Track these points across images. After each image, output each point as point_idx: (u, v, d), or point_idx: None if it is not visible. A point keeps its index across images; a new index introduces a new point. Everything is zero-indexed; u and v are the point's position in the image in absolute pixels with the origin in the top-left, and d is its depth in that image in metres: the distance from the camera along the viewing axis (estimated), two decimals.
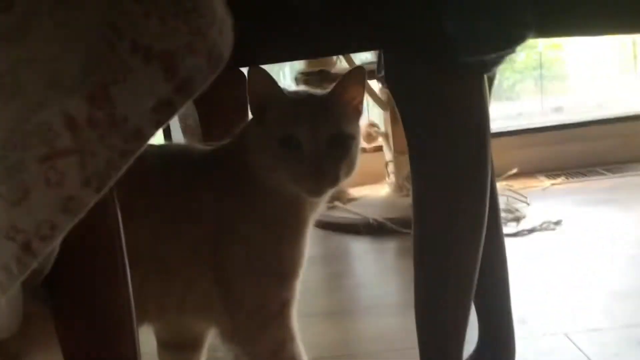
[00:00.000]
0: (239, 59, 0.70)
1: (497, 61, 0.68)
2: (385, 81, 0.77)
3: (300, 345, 0.88)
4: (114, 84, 0.42)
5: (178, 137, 2.04)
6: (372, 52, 2.08)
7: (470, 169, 0.77)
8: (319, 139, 0.81)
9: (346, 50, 1.15)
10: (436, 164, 0.77)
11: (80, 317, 0.57)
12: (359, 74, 0.87)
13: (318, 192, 0.82)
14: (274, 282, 0.86)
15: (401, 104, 0.76)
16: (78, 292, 0.56)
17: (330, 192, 0.85)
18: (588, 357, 1.11)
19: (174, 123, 2.18)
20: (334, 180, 0.81)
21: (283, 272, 0.86)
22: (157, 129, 0.45)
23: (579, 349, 1.14)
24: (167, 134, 2.36)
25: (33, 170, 0.42)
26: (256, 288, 0.85)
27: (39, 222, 0.42)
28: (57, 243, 0.44)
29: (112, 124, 0.43)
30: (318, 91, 0.90)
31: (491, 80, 0.90)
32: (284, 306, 0.86)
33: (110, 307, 0.59)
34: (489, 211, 0.87)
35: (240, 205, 0.86)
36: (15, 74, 0.40)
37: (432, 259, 0.80)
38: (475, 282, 0.81)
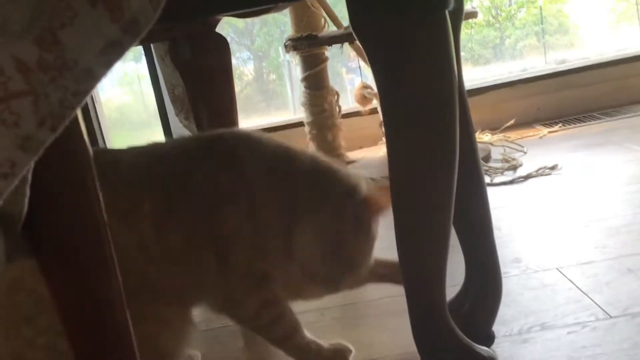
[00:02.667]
0: (198, 8, 0.72)
1: None
2: (352, 30, 0.78)
3: (285, 307, 0.96)
4: (62, 27, 0.44)
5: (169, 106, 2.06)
6: None
7: (435, 109, 0.78)
8: None
9: None
10: (402, 108, 0.78)
11: (63, 266, 0.60)
12: None
13: None
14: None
15: (366, 49, 0.77)
16: (58, 243, 0.59)
17: None
18: (579, 289, 1.13)
19: (165, 94, 2.20)
20: None
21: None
22: (107, 69, 0.46)
23: (571, 281, 1.17)
24: (161, 105, 2.39)
25: None
26: (247, 256, 0.91)
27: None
28: (27, 177, 0.47)
29: (63, 66, 0.45)
30: None
31: (457, 26, 0.91)
32: (259, 275, 0.93)
33: (92, 257, 0.61)
34: (467, 157, 0.89)
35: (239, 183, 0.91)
36: None
37: (405, 203, 0.82)
38: (450, 224, 0.83)
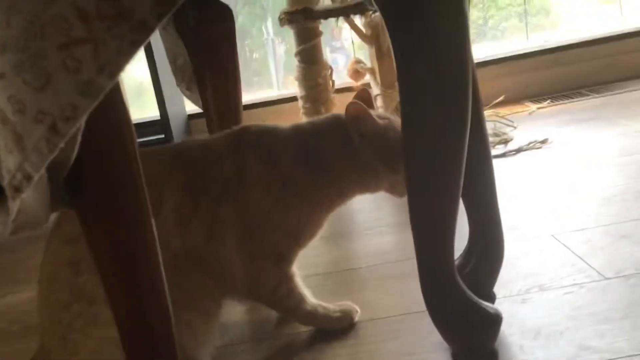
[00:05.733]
0: None
1: None
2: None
3: (297, 286, 1.03)
4: None
5: (166, 77, 2.07)
6: None
7: (452, 73, 0.81)
8: None
9: None
10: (419, 72, 0.81)
11: (100, 218, 0.62)
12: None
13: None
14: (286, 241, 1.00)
15: (386, 16, 0.80)
16: (97, 194, 0.61)
17: None
18: (574, 253, 1.18)
19: (164, 65, 2.19)
20: None
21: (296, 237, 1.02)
22: (159, 20, 0.49)
23: (566, 246, 1.21)
24: (155, 77, 2.39)
25: (53, 58, 0.46)
26: (272, 239, 0.98)
27: (62, 105, 0.46)
28: (81, 125, 0.49)
29: (119, 16, 0.46)
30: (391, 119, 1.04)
31: None
32: (280, 257, 1.00)
33: (129, 209, 0.63)
34: (474, 126, 0.92)
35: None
36: None
37: (419, 163, 0.85)
38: (461, 183, 0.86)
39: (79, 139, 0.51)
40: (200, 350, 0.94)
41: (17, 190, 0.48)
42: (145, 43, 0.48)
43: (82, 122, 0.49)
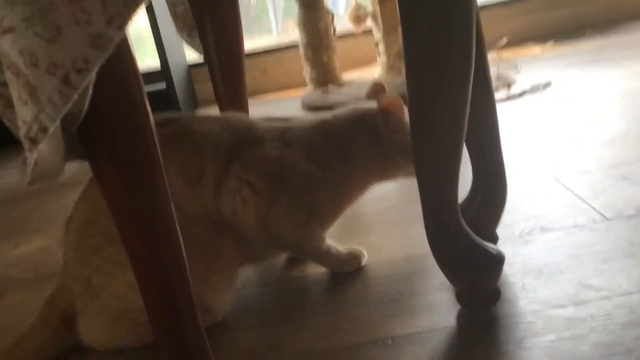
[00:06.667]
0: None
1: None
2: None
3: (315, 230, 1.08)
4: None
5: (165, 24, 2.04)
6: None
7: (455, 15, 0.81)
8: None
9: None
10: (422, 14, 0.81)
11: (111, 167, 0.63)
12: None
13: None
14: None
15: None
16: (108, 144, 0.62)
17: None
18: (576, 195, 1.19)
19: (163, 15, 2.17)
20: None
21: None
22: None
23: (568, 188, 1.23)
24: (155, 26, 2.36)
25: (62, 10, 0.46)
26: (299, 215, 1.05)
27: (74, 57, 0.47)
28: (92, 78, 0.50)
29: None
30: None
31: None
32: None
33: (139, 158, 0.65)
34: (478, 68, 0.92)
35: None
36: None
37: (423, 107, 0.86)
38: (465, 126, 0.87)
39: (90, 91, 0.52)
40: (217, 301, 0.97)
41: (34, 141, 0.49)
42: None
43: (93, 74, 0.49)
